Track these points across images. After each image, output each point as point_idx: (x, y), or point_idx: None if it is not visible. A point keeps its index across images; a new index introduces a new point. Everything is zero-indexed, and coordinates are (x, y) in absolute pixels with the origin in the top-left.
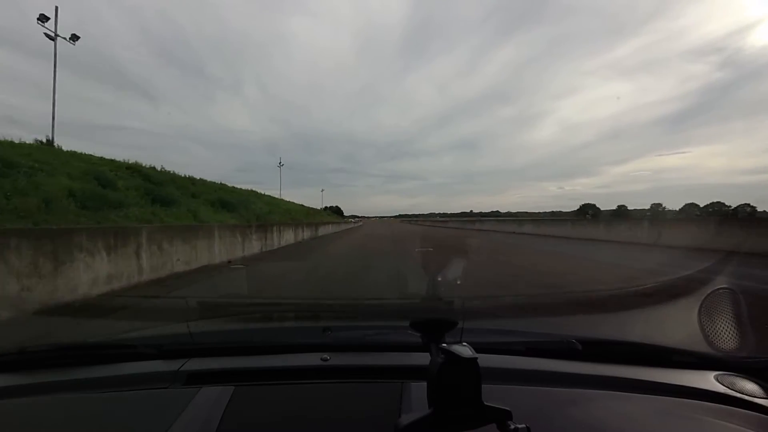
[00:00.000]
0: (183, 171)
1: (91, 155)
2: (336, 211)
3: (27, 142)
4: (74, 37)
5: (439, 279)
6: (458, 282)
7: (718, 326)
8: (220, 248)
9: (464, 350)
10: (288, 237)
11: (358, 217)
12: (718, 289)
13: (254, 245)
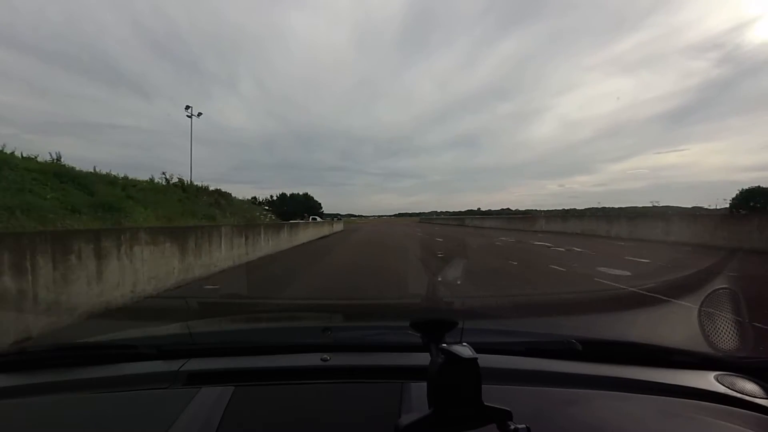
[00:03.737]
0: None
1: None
2: (305, 205)
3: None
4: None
5: (439, 279)
6: (458, 282)
7: (718, 326)
8: None
9: (464, 350)
10: None
11: (354, 216)
12: (718, 289)
13: None
